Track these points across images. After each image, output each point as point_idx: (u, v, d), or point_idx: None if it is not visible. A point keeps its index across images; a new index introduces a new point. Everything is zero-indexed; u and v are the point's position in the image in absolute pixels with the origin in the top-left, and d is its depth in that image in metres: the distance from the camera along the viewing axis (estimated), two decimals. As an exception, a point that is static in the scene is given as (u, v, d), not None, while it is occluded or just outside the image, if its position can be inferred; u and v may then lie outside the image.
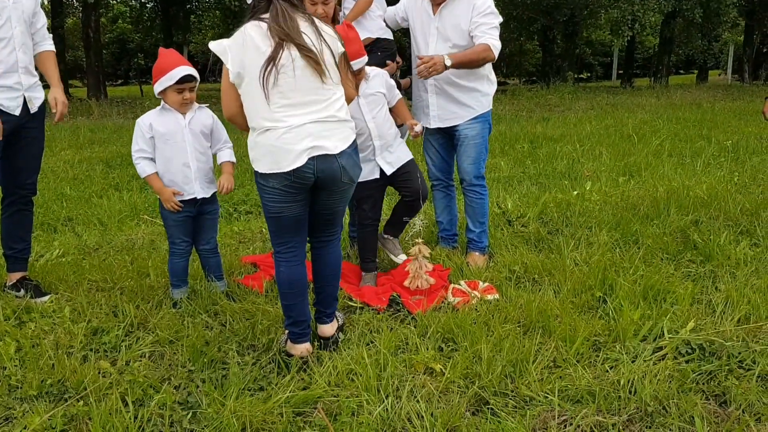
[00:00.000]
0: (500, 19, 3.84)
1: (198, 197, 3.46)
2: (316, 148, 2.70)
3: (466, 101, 3.94)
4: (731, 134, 10.70)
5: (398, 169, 3.74)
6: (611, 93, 21.12)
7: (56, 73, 3.68)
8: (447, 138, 4.16)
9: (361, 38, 3.99)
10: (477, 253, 4.12)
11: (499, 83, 24.73)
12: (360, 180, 3.67)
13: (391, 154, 3.72)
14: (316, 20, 2.82)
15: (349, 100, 2.96)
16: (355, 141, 2.86)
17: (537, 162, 8.76)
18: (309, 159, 2.69)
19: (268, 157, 2.69)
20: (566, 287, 3.57)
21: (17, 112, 3.45)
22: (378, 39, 4.08)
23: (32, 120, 3.56)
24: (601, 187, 6.35)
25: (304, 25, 2.73)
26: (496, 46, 3.74)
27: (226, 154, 3.55)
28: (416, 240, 3.61)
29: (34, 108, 3.54)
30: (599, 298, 3.45)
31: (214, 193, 3.55)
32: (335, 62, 2.79)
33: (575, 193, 5.99)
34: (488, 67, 3.97)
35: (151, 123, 3.35)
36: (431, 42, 3.88)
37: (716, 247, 4.15)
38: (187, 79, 3.31)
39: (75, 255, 4.44)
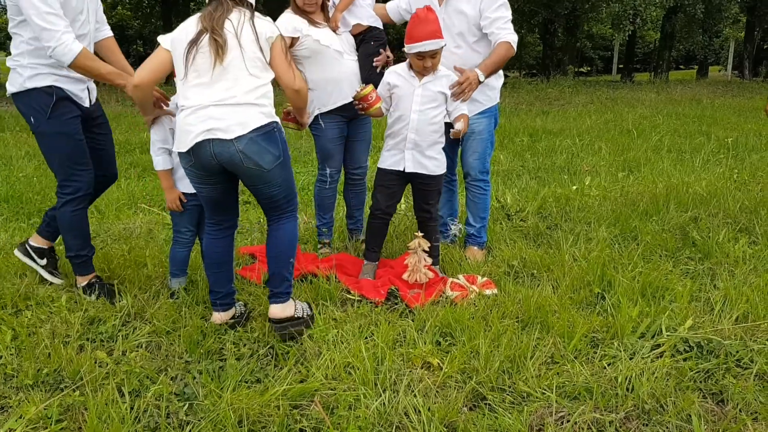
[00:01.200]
0: (510, 9, 3.81)
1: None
2: (211, 131, 2.78)
3: (474, 95, 3.87)
4: (731, 131, 10.70)
5: (421, 179, 3.65)
6: (611, 87, 21.07)
7: (125, 60, 3.67)
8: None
9: (352, 25, 3.99)
10: (476, 248, 4.11)
11: (499, 76, 24.54)
12: (382, 167, 3.69)
13: (422, 157, 3.61)
14: (257, 14, 2.94)
15: (288, 89, 3.02)
16: (266, 126, 2.81)
17: (536, 156, 8.75)
18: (206, 141, 2.79)
19: (177, 136, 2.91)
20: (565, 283, 3.56)
21: (86, 104, 3.45)
22: (370, 28, 4.04)
23: (98, 108, 3.59)
24: (601, 182, 6.35)
25: (235, 16, 2.87)
26: (515, 41, 3.75)
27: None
28: (416, 233, 3.60)
29: (93, 98, 3.54)
30: (598, 294, 3.44)
31: None
32: (259, 49, 2.86)
33: (574, 187, 5.99)
34: None
35: (173, 116, 3.31)
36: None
37: (715, 244, 4.15)
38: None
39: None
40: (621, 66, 26.94)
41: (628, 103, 15.88)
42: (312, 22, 3.83)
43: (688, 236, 4.38)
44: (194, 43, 2.84)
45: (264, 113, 2.84)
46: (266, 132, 2.82)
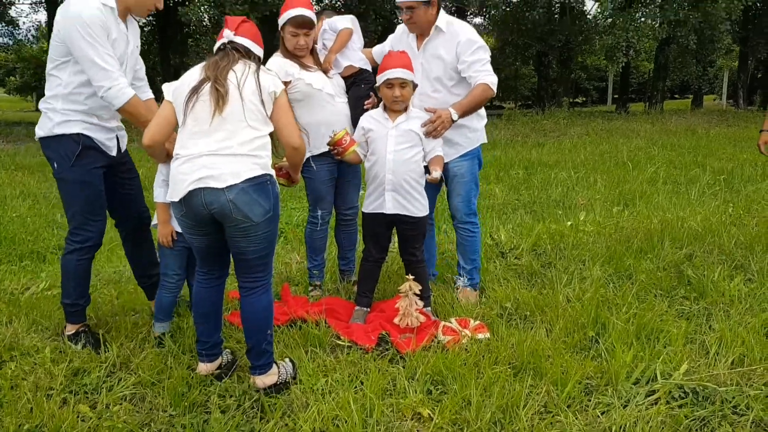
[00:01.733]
0: (488, 51, 3.82)
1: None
2: (203, 179, 2.75)
3: (454, 138, 3.87)
4: (726, 161, 10.72)
5: (404, 221, 3.63)
6: (606, 118, 21.19)
7: None
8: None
9: (344, 67, 4.01)
10: (469, 289, 4.06)
11: (495, 107, 24.80)
12: (366, 211, 3.67)
13: (402, 198, 3.59)
14: (264, 68, 2.95)
15: (288, 146, 3.00)
16: (259, 177, 2.77)
17: (531, 189, 8.75)
18: (197, 190, 2.75)
19: (171, 185, 2.86)
20: (558, 325, 3.51)
21: (113, 153, 3.46)
22: (361, 70, 4.07)
23: (125, 154, 3.61)
24: (595, 217, 6.32)
25: (240, 67, 2.88)
26: (494, 82, 3.73)
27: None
28: (406, 276, 3.56)
29: (123, 146, 3.57)
30: (592, 338, 3.39)
31: None
32: (261, 102, 2.85)
33: (569, 223, 5.96)
34: None
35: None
36: (415, 79, 3.87)
37: (710, 283, 4.11)
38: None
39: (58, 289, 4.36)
40: (616, 96, 27.14)
41: (624, 135, 15.95)
42: (303, 66, 3.84)
43: (683, 274, 4.34)
44: (196, 90, 2.84)
45: (258, 164, 2.80)
46: (259, 183, 2.78)
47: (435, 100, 3.81)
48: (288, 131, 2.97)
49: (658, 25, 20.17)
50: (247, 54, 2.96)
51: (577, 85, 34.49)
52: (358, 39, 4.16)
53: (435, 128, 3.57)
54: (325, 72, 3.93)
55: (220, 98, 2.80)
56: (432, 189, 3.94)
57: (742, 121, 19.94)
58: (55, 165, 3.32)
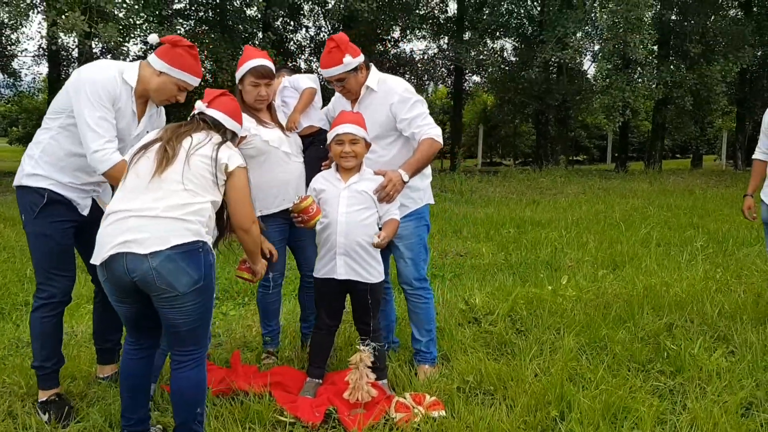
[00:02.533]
0: (425, 104, 3.68)
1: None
2: (127, 243, 2.57)
3: (398, 198, 3.65)
4: (722, 222, 10.53)
5: (357, 287, 3.44)
6: (604, 177, 21.11)
7: None
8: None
9: (303, 126, 3.88)
10: (426, 366, 3.79)
11: (493, 163, 24.74)
12: (317, 276, 3.47)
13: (355, 263, 3.40)
14: (228, 145, 2.85)
15: (238, 228, 2.90)
16: (190, 244, 2.59)
17: (520, 249, 8.55)
18: (119, 255, 2.57)
19: (96, 246, 2.68)
20: (521, 403, 3.27)
21: (86, 212, 3.37)
22: (320, 130, 3.94)
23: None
24: (579, 281, 6.10)
25: (200, 136, 2.80)
26: (438, 134, 3.60)
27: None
28: (357, 346, 3.34)
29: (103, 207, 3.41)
30: (555, 418, 3.15)
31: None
32: (210, 172, 2.72)
33: (550, 287, 5.74)
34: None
35: None
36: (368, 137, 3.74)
37: (688, 356, 3.87)
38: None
39: (7, 350, 4.15)
40: (616, 155, 27.19)
41: (621, 194, 15.82)
42: (260, 121, 3.72)
43: (661, 346, 4.10)
44: (145, 148, 2.78)
45: (190, 230, 2.62)
46: (188, 251, 2.59)
47: (370, 161, 3.65)
48: (238, 213, 2.85)
49: (654, 85, 20.30)
50: (216, 126, 2.88)
51: (577, 143, 34.65)
52: (318, 99, 4.06)
53: (387, 193, 3.41)
54: (289, 130, 3.80)
55: (165, 159, 2.69)
56: (387, 250, 3.77)
57: (740, 182, 19.82)
58: (23, 216, 3.28)
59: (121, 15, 13.44)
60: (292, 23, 21.19)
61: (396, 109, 3.59)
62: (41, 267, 3.26)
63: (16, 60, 19.16)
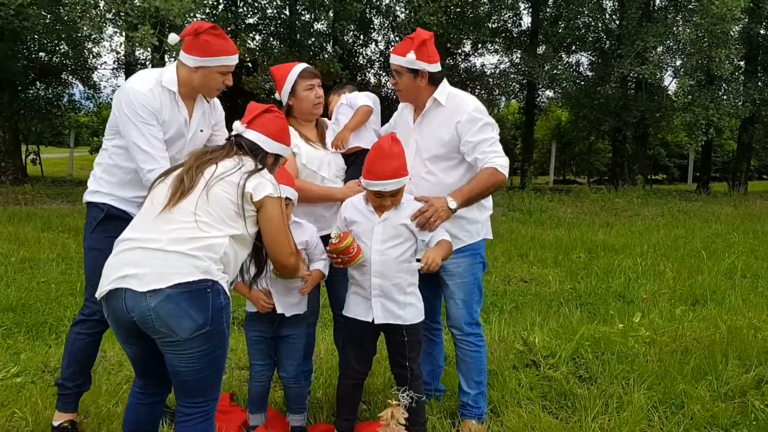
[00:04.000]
0: (496, 126, 3.29)
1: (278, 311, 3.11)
2: (126, 278, 2.30)
3: (449, 229, 3.27)
4: (817, 254, 9.65)
5: (395, 330, 3.08)
6: (685, 199, 20.00)
7: None
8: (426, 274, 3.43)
9: (352, 146, 3.55)
10: (474, 422, 3.36)
11: (567, 181, 23.85)
12: (348, 315, 3.13)
13: (393, 304, 3.05)
14: (263, 173, 2.57)
15: (275, 262, 2.67)
16: (195, 284, 2.30)
17: (590, 277, 7.99)
18: (119, 290, 2.30)
19: (101, 278, 2.44)
20: (579, 473, 2.82)
21: None
22: (363, 150, 3.57)
23: None
24: (654, 318, 5.53)
25: (228, 163, 2.52)
26: (503, 165, 3.18)
27: (320, 266, 3.19)
28: (389, 401, 2.95)
29: None
30: (619, 496, 2.69)
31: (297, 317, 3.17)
32: (234, 203, 2.45)
33: (620, 326, 5.21)
34: None
35: None
36: (408, 157, 3.35)
37: (783, 422, 3.33)
38: None
39: (29, 376, 3.97)
40: (698, 175, 25.83)
41: (702, 218, 14.85)
42: (306, 139, 3.42)
43: (749, 406, 3.55)
44: (166, 174, 2.60)
45: (197, 267, 2.33)
46: (192, 291, 2.30)
47: (428, 183, 3.30)
48: (272, 246, 2.59)
49: (741, 103, 19.13)
50: (252, 151, 2.60)
51: (656, 162, 33.18)
52: (376, 120, 3.71)
53: (427, 220, 3.02)
54: (335, 148, 3.49)
55: (180, 190, 2.43)
56: (434, 288, 3.39)
57: (836, 207, 18.39)
58: (85, 231, 3.29)
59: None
60: (362, 37, 21.11)
61: (462, 129, 3.22)
62: (90, 281, 3.18)
63: (96, 72, 19.79)
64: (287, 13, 18.19)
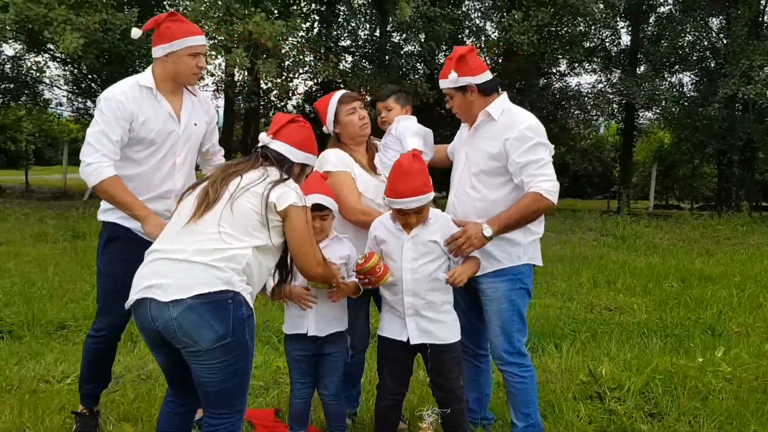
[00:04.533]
0: (550, 148, 3.10)
1: (309, 334, 3.08)
2: (151, 288, 2.33)
3: (490, 248, 3.11)
4: None
5: (435, 350, 2.98)
6: (797, 227, 18.64)
7: None
8: (474, 294, 3.30)
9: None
10: None
11: (669, 206, 22.62)
12: (383, 334, 3.06)
13: (428, 323, 2.96)
14: (289, 183, 2.56)
15: (302, 272, 2.65)
16: (217, 294, 2.31)
17: (681, 307, 7.52)
18: (145, 300, 2.34)
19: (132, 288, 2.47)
20: None
21: None
22: None
23: None
24: (739, 354, 5.11)
25: (252, 175, 2.53)
26: (549, 189, 3.00)
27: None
28: (420, 424, 2.84)
29: None
30: None
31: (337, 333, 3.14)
32: (259, 213, 2.45)
33: (700, 360, 4.85)
34: None
35: None
36: (457, 170, 3.24)
37: None
38: (314, 208, 2.95)
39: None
40: (815, 201, 24.07)
41: (815, 248, 13.74)
42: (355, 160, 3.39)
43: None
44: (194, 186, 2.63)
45: (220, 278, 2.35)
46: (214, 301, 2.32)
47: (471, 198, 3.18)
48: (297, 256, 2.60)
49: None
50: (279, 161, 2.62)
51: (765, 188, 31.17)
52: (428, 152, 3.53)
53: (459, 247, 2.92)
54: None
55: (205, 203, 2.47)
56: (475, 312, 3.28)
57: None
58: (98, 250, 3.32)
59: (284, 51, 13.95)
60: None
61: (510, 147, 3.07)
62: (99, 300, 3.30)
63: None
64: (377, 35, 18.46)
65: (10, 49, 18.15)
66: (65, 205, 14.88)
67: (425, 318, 2.95)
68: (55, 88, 20.27)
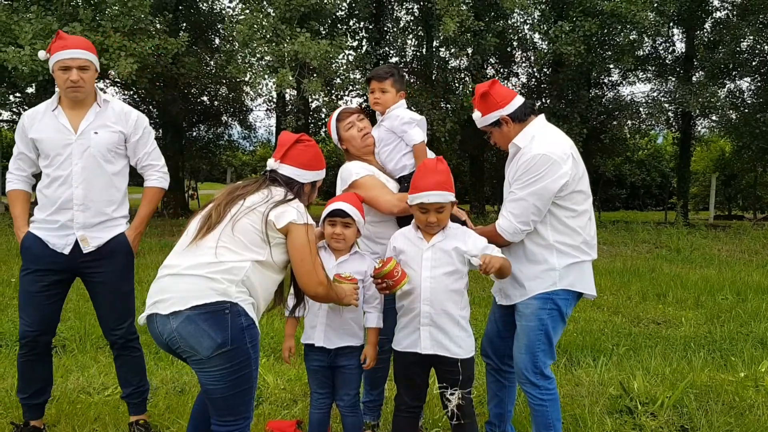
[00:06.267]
0: (548, 181, 2.96)
1: (316, 345, 3.13)
2: (155, 304, 2.46)
3: (526, 274, 3.09)
4: None
5: (443, 363, 2.98)
6: None
7: (142, 211, 3.58)
8: (510, 309, 3.26)
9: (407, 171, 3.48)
10: None
11: (732, 217, 21.79)
12: (397, 349, 3.09)
13: (442, 335, 2.96)
14: (292, 203, 2.63)
15: (305, 290, 2.68)
16: (213, 305, 2.41)
17: (732, 320, 7.27)
18: (152, 316, 2.47)
19: None
20: None
21: (66, 251, 3.36)
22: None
23: (94, 262, 3.39)
24: (786, 368, 4.92)
25: (255, 198, 2.61)
26: (503, 228, 3.04)
27: (372, 319, 3.16)
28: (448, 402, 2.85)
29: (86, 248, 3.37)
30: None
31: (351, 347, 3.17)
32: (259, 230, 2.54)
33: (742, 374, 4.69)
34: (558, 233, 3.07)
35: None
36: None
37: None
38: (337, 213, 3.05)
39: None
40: None
41: None
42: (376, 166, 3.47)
43: None
44: (203, 207, 2.73)
45: (215, 290, 2.45)
46: (210, 312, 2.42)
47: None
48: (298, 274, 2.64)
49: None
50: (288, 184, 2.70)
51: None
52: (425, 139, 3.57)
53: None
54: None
55: (208, 225, 2.58)
56: (507, 326, 3.27)
57: None
58: None
59: (332, 69, 14.17)
60: (503, 70, 20.98)
61: (512, 170, 3.09)
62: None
63: (251, 114, 21.40)
64: (423, 51, 18.56)
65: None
66: (124, 224, 15.45)
67: (440, 329, 2.95)
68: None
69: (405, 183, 3.41)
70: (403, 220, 3.32)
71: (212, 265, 2.47)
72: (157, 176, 3.59)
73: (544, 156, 2.97)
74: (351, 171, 3.35)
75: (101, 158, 3.38)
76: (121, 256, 3.44)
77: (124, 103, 3.59)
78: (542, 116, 3.21)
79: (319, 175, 2.83)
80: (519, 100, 3.16)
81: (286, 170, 2.73)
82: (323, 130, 19.65)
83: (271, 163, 2.77)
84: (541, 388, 3.10)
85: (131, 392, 3.60)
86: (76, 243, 3.37)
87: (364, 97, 19.97)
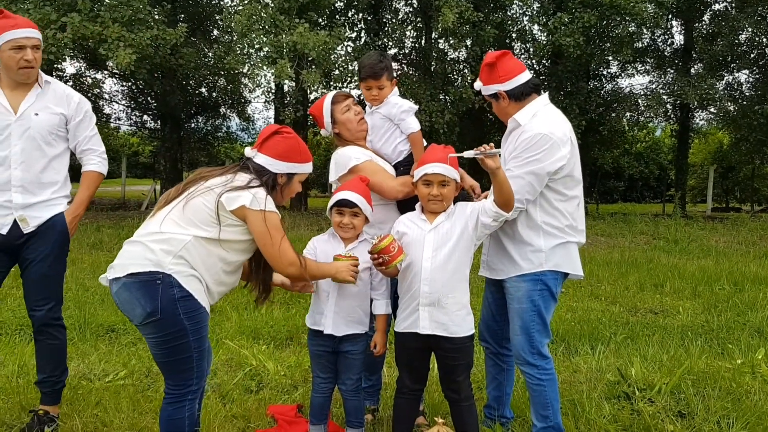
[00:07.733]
0: (547, 162, 2.99)
1: (325, 332, 3.15)
2: (109, 269, 2.59)
3: (512, 253, 3.14)
4: None
5: (442, 343, 3.00)
6: None
7: (80, 195, 3.54)
8: (503, 292, 3.29)
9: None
10: None
11: (729, 209, 21.89)
12: (398, 330, 3.11)
13: (442, 314, 2.96)
14: (254, 189, 2.66)
15: (278, 272, 2.79)
16: (146, 275, 2.50)
17: (730, 310, 7.31)
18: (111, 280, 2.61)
19: None
20: None
21: (3, 231, 3.34)
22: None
23: (31, 241, 3.38)
24: (782, 355, 4.96)
25: (217, 180, 2.68)
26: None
27: (380, 306, 3.20)
28: (436, 418, 2.89)
29: (26, 228, 3.36)
30: None
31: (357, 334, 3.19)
32: (210, 209, 2.60)
33: (739, 361, 4.73)
34: (547, 215, 3.12)
35: (315, 245, 3.20)
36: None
37: None
38: (345, 203, 3.07)
39: (132, 380, 4.29)
40: None
41: None
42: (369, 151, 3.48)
43: None
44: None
45: (150, 260, 2.53)
46: (143, 281, 2.51)
47: None
48: (268, 259, 2.71)
49: None
50: (259, 173, 2.72)
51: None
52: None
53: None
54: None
55: (165, 200, 2.71)
56: (501, 309, 3.30)
57: None
58: None
59: (330, 61, 14.16)
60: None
61: (508, 152, 3.12)
62: None
63: (250, 106, 21.36)
64: (422, 42, 18.54)
65: (71, 67, 19.02)
66: (122, 216, 15.45)
67: (440, 309, 2.96)
68: (114, 103, 21.13)
69: (401, 168, 3.43)
70: (403, 205, 3.34)
71: (154, 234, 2.58)
72: (97, 161, 3.56)
73: (545, 136, 3.00)
74: (350, 156, 3.34)
75: (41, 140, 3.37)
76: (56, 234, 3.42)
77: (68, 86, 3.55)
78: (545, 95, 3.25)
79: (297, 168, 2.82)
80: (522, 78, 3.16)
81: (261, 159, 2.75)
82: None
83: (248, 152, 2.80)
84: (539, 368, 3.14)
85: (43, 379, 3.51)
86: (15, 223, 3.35)
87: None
